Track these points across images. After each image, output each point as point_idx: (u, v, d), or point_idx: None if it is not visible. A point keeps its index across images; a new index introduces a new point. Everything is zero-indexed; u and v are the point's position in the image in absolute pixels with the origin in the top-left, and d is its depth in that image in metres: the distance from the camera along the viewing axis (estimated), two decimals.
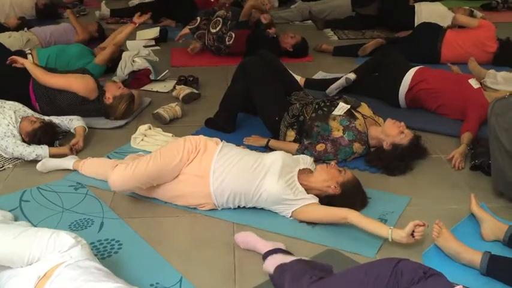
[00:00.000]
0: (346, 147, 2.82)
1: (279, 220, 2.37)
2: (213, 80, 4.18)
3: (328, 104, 2.97)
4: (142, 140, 3.12)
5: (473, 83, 3.31)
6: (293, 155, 2.64)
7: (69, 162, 2.82)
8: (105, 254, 2.17)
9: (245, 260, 2.14)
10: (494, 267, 1.98)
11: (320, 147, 2.83)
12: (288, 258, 1.94)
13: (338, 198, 2.35)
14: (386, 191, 2.61)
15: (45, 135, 2.97)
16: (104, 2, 6.30)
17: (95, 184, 2.68)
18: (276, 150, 2.71)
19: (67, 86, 3.32)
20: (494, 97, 2.75)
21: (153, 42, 5.16)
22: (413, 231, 2.08)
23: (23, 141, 2.98)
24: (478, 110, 3.07)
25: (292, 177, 2.37)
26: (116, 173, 2.41)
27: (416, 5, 5.15)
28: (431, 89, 3.40)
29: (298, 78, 3.76)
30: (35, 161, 2.86)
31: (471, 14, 5.05)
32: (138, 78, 4.07)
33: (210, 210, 2.43)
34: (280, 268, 1.90)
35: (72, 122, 3.16)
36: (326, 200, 2.36)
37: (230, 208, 2.44)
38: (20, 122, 3.03)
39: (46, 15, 5.96)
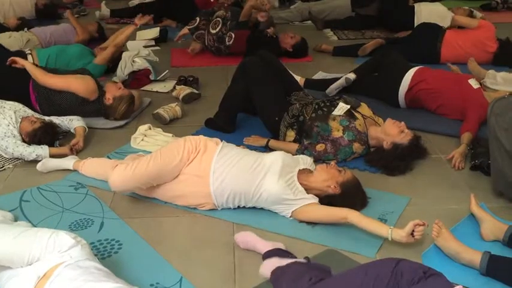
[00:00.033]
0: (346, 147, 2.83)
1: (278, 220, 2.37)
2: (213, 80, 4.18)
3: (328, 104, 2.97)
4: (142, 140, 3.12)
5: (473, 83, 3.31)
6: (293, 155, 2.65)
7: (69, 162, 2.82)
8: (105, 254, 2.17)
9: (245, 260, 2.14)
10: (494, 267, 1.98)
11: (320, 147, 2.83)
12: (283, 261, 1.93)
13: (338, 198, 2.35)
14: (386, 191, 2.61)
15: (45, 135, 2.97)
16: (104, 2, 6.30)
17: (95, 184, 2.68)
18: (275, 150, 2.71)
19: (67, 87, 3.32)
20: (494, 97, 2.75)
21: (153, 43, 5.16)
22: (413, 230, 2.08)
23: (23, 141, 2.98)
24: (478, 110, 3.08)
25: (292, 177, 2.37)
26: (116, 173, 2.41)
27: (416, 5, 5.15)
28: (431, 89, 3.40)
29: (298, 78, 3.76)
30: (35, 161, 2.87)
31: (471, 14, 5.05)
32: (138, 78, 4.07)
33: (210, 210, 2.44)
34: (277, 271, 1.89)
35: (72, 122, 3.17)
36: (326, 200, 2.37)
37: (230, 208, 2.44)
38: (20, 122, 3.04)
39: (46, 15, 5.96)
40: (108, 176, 2.45)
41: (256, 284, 1.99)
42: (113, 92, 3.38)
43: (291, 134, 2.99)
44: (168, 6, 5.84)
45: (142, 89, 4.01)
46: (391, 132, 2.80)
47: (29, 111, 3.18)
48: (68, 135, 3.19)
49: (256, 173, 2.36)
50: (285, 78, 3.27)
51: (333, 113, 2.90)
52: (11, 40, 4.49)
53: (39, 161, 2.85)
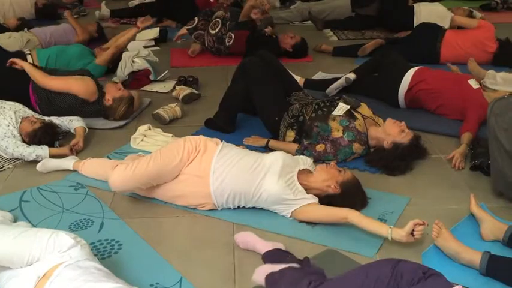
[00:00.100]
0: (346, 147, 2.83)
1: (278, 220, 2.37)
2: (212, 80, 4.18)
3: (327, 104, 2.97)
4: (142, 140, 3.12)
5: (473, 83, 3.31)
6: (293, 155, 2.65)
7: (69, 162, 2.82)
8: (105, 254, 2.17)
9: (245, 260, 2.14)
10: (493, 267, 1.98)
11: (320, 147, 2.83)
12: (276, 267, 1.91)
13: (338, 198, 2.35)
14: (386, 191, 2.61)
15: (45, 135, 2.97)
16: (103, 2, 6.30)
17: (95, 184, 2.68)
18: (275, 150, 2.71)
19: (67, 88, 3.32)
20: (494, 97, 2.75)
21: (153, 43, 5.16)
22: (413, 230, 2.08)
23: (23, 141, 2.98)
24: (478, 110, 3.08)
25: (292, 177, 2.37)
26: (116, 173, 2.41)
27: (416, 6, 5.15)
28: (431, 89, 3.40)
29: (297, 78, 3.76)
30: (35, 162, 2.87)
31: (470, 15, 5.06)
32: (138, 78, 4.08)
33: (210, 210, 2.44)
34: (272, 276, 1.87)
35: (72, 123, 3.17)
36: (326, 199, 2.37)
37: (230, 208, 2.44)
38: (20, 123, 3.04)
39: (45, 15, 5.96)
40: (108, 176, 2.45)
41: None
42: (112, 93, 3.39)
43: (291, 134, 2.99)
44: (168, 6, 5.84)
45: (142, 89, 4.01)
46: (391, 131, 2.80)
47: (29, 112, 3.18)
48: (67, 135, 3.19)
49: (256, 173, 2.36)
50: (284, 78, 3.27)
51: (332, 113, 2.90)
52: (11, 40, 4.49)
53: (39, 161, 2.85)
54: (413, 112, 3.45)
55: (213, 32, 4.69)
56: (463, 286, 1.58)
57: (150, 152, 2.72)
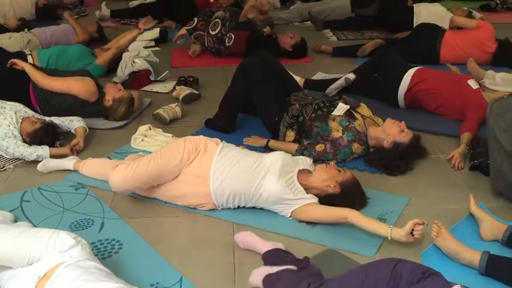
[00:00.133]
0: (346, 147, 2.83)
1: (278, 220, 2.38)
2: (213, 80, 4.19)
3: (327, 104, 2.98)
4: (142, 140, 3.12)
5: (472, 83, 3.32)
6: (293, 155, 2.65)
7: (69, 162, 2.83)
8: (105, 254, 2.17)
9: (245, 260, 2.14)
10: (493, 267, 1.98)
11: (319, 147, 2.84)
12: (273, 269, 1.91)
13: (338, 198, 2.36)
14: (386, 191, 2.62)
15: (46, 135, 2.98)
16: (104, 3, 6.31)
17: (96, 184, 2.68)
18: (275, 150, 2.71)
19: (67, 89, 3.33)
20: (493, 97, 2.76)
21: (153, 43, 5.17)
22: (412, 230, 2.09)
23: (24, 141, 2.99)
24: (477, 110, 3.08)
25: (291, 177, 2.38)
26: (117, 173, 2.42)
27: (415, 6, 5.16)
28: (431, 90, 3.41)
29: (297, 78, 3.77)
30: (35, 162, 2.87)
31: (470, 15, 5.07)
32: (138, 78, 4.08)
33: (210, 210, 2.44)
34: (270, 278, 1.87)
35: (73, 123, 3.17)
36: (326, 199, 2.37)
37: (230, 208, 2.44)
38: (21, 123, 3.04)
39: (45, 14, 5.96)
40: (108, 176, 2.45)
41: None
42: (112, 93, 3.39)
43: (291, 134, 3.00)
44: (168, 6, 5.85)
45: (142, 89, 4.01)
46: (391, 131, 2.81)
47: (29, 112, 3.19)
48: (68, 135, 3.19)
49: (256, 173, 2.36)
50: (284, 78, 3.28)
51: (332, 113, 2.91)
52: (12, 41, 4.49)
53: (40, 161, 2.85)
54: (412, 112, 3.45)
55: (213, 32, 4.69)
56: (462, 286, 1.58)
57: (151, 152, 2.72)
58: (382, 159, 2.80)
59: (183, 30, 4.85)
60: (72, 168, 2.81)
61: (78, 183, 2.71)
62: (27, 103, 3.29)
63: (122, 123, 3.42)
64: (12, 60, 3.49)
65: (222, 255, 2.18)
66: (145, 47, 4.87)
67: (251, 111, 3.26)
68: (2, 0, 5.68)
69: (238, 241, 2.21)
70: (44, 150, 2.91)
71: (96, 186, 2.67)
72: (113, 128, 3.38)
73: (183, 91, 3.79)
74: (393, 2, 5.40)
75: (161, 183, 2.45)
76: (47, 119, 3.14)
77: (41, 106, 3.36)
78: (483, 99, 3.16)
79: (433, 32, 4.46)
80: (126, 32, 4.48)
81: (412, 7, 5.17)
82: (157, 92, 3.99)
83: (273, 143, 3.02)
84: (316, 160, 2.77)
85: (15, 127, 3.01)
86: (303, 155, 2.79)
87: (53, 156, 2.90)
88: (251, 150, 2.67)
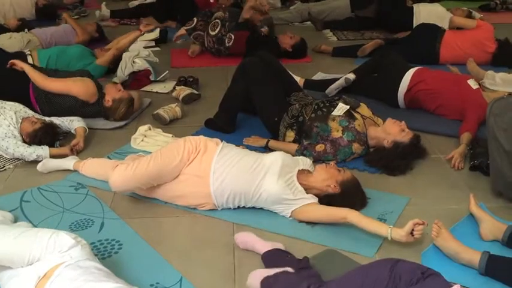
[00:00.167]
0: (346, 147, 2.83)
1: (278, 220, 2.38)
2: (212, 80, 4.19)
3: (327, 104, 2.98)
4: (142, 140, 3.12)
5: (472, 83, 3.32)
6: (292, 155, 2.65)
7: (69, 162, 2.83)
8: (105, 254, 2.17)
9: (245, 260, 2.14)
10: (493, 267, 1.98)
11: (319, 147, 2.84)
12: (271, 271, 1.91)
13: (338, 198, 2.36)
14: (386, 191, 2.62)
15: (45, 135, 2.98)
16: (104, 3, 6.31)
17: (96, 184, 2.68)
18: (275, 150, 2.71)
19: (67, 90, 3.33)
20: (493, 98, 2.76)
21: (153, 43, 5.17)
22: (412, 230, 2.09)
23: (24, 141, 2.99)
24: (477, 110, 3.09)
25: (291, 177, 2.38)
26: (117, 173, 2.42)
27: (415, 6, 5.16)
28: (430, 90, 3.41)
29: (297, 79, 3.77)
30: (35, 162, 2.87)
31: (469, 15, 5.07)
32: (138, 79, 4.08)
33: (210, 210, 2.44)
34: (267, 280, 1.87)
35: (73, 123, 3.17)
36: (326, 199, 2.37)
37: (230, 208, 2.44)
38: (21, 123, 3.04)
39: (45, 14, 5.96)
40: (108, 176, 2.45)
41: None
42: (112, 94, 3.39)
43: (291, 135, 3.00)
44: (169, 7, 5.84)
45: (142, 89, 4.01)
46: (391, 131, 2.81)
47: (29, 112, 3.19)
48: (68, 135, 3.19)
49: (256, 173, 2.36)
50: (284, 78, 3.28)
51: (332, 113, 2.91)
52: (12, 41, 4.49)
53: (40, 161, 2.85)
54: (412, 112, 3.45)
55: (212, 33, 4.69)
56: (462, 286, 1.58)
57: (151, 152, 2.72)
58: (382, 159, 2.80)
59: (182, 30, 4.85)
60: (72, 168, 2.81)
61: (78, 184, 2.71)
62: (27, 103, 3.29)
63: (121, 123, 3.42)
64: (12, 60, 3.49)
65: (222, 255, 2.18)
66: (145, 47, 4.87)
67: (251, 111, 3.26)
68: (2, 0, 5.68)
69: (238, 241, 2.21)
70: (43, 150, 2.91)
71: (96, 187, 2.67)
72: (112, 128, 3.38)
73: (183, 91, 3.79)
74: (391, 3, 5.40)
75: (161, 183, 2.45)
76: (47, 119, 3.14)
77: (41, 106, 3.36)
78: (483, 100, 3.16)
79: (432, 32, 4.47)
80: (126, 33, 4.48)
81: (412, 7, 5.17)
82: (157, 92, 3.99)
83: (272, 143, 3.02)
84: (316, 160, 2.77)
85: (15, 127, 3.01)
86: (303, 155, 2.79)
87: (52, 156, 2.90)
88: (251, 150, 2.66)
